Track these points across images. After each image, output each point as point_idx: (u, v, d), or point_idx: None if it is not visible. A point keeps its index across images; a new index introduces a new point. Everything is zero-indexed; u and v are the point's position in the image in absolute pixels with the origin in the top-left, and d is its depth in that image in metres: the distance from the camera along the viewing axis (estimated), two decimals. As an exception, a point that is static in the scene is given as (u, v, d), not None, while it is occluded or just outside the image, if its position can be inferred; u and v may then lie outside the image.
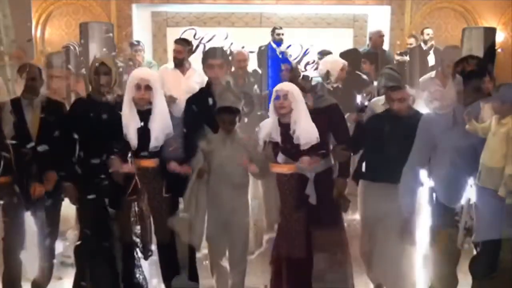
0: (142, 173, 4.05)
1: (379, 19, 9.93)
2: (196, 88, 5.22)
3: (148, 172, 4.08)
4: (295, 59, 9.66)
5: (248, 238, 4.06)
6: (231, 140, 3.98)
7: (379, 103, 4.61)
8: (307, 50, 9.92)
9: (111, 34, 7.41)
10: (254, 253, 4.15)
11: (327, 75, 6.17)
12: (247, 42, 8.52)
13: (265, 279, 4.28)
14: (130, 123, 4.01)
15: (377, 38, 8.02)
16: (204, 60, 4.55)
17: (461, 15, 10.09)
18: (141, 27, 10.07)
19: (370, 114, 4.44)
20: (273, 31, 8.29)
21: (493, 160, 3.23)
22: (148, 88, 4.03)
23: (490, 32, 8.40)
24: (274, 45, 7.92)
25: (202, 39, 10.07)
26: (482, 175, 3.29)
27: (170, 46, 9.89)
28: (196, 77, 5.66)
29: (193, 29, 10.26)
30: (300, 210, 4.02)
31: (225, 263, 4.11)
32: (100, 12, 9.90)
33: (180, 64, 5.77)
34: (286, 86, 4.15)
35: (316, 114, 4.07)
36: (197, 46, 10.02)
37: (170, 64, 6.21)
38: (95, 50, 7.66)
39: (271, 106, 4.14)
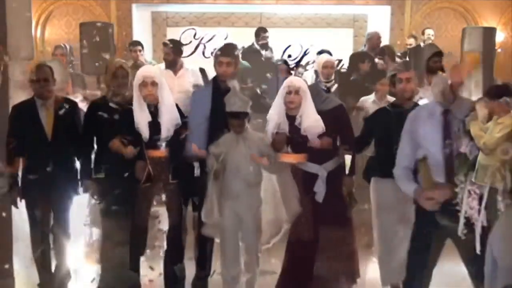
0: (154, 163, 4.28)
1: (379, 19, 10.00)
2: (189, 87, 5.43)
3: (161, 161, 4.32)
4: (295, 59, 9.71)
5: (260, 232, 4.25)
6: (243, 139, 4.13)
7: (369, 100, 4.71)
8: (307, 50, 9.95)
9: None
10: (270, 242, 4.35)
11: (316, 75, 6.34)
12: (247, 42, 8.57)
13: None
14: (142, 118, 4.25)
15: (375, 40, 8.04)
16: (215, 57, 4.77)
17: (461, 15, 10.16)
18: (141, 27, 10.14)
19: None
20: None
21: (488, 158, 3.29)
22: (154, 84, 4.28)
23: (490, 32, 8.44)
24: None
25: (202, 39, 10.10)
26: (478, 173, 3.34)
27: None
28: (188, 77, 5.74)
29: (193, 29, 10.30)
30: (310, 205, 4.15)
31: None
32: (100, 12, 9.95)
33: (171, 65, 5.79)
34: (297, 81, 4.31)
35: (322, 115, 4.19)
36: (197, 46, 10.07)
37: (163, 64, 6.24)
38: (94, 50, 7.75)
39: (279, 99, 4.28)
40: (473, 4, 10.02)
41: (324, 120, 4.17)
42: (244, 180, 4.10)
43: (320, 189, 4.14)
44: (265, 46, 8.08)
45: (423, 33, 8.86)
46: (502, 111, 3.31)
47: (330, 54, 7.16)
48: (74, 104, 4.48)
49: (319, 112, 4.22)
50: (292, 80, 4.38)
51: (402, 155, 3.65)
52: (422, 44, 8.73)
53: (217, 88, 4.60)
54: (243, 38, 8.40)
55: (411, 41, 9.17)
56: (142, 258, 4.48)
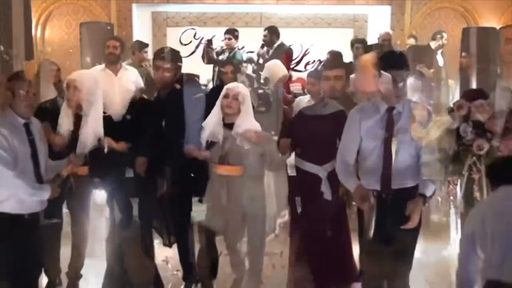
0: (77, 180, 4.23)
1: (379, 19, 10.26)
2: (131, 87, 5.29)
3: (82, 179, 4.26)
4: (295, 59, 10.02)
5: (265, 224, 4.50)
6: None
7: (304, 100, 4.99)
8: (307, 50, 10.24)
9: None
10: (269, 235, 4.61)
11: (266, 81, 6.73)
12: (247, 42, 8.90)
13: (281, 246, 4.80)
14: (63, 125, 4.18)
15: (380, 41, 8.40)
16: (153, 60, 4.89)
17: (461, 15, 10.38)
18: (141, 27, 10.38)
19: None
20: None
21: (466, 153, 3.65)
22: (76, 89, 4.14)
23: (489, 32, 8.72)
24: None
25: (202, 39, 10.38)
26: (457, 166, 3.70)
27: (170, 46, 10.30)
28: (130, 76, 5.65)
29: (193, 29, 10.59)
30: (314, 205, 4.43)
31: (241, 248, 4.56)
32: (100, 12, 10.21)
33: (116, 61, 5.66)
34: (238, 87, 4.50)
35: (323, 119, 4.49)
36: (197, 46, 10.38)
37: (98, 66, 6.10)
38: (94, 50, 8.08)
39: (217, 106, 4.43)
40: (473, 4, 10.22)
41: (324, 123, 4.45)
42: (247, 173, 4.39)
43: (324, 189, 4.44)
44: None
45: (441, 35, 9.03)
46: (477, 112, 3.67)
47: (340, 55, 7.49)
48: None
49: (319, 117, 4.50)
50: (233, 84, 4.60)
51: (344, 150, 3.88)
52: (431, 44, 8.99)
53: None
54: (243, 38, 8.63)
55: (411, 41, 9.44)
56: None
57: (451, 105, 3.91)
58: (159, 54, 4.81)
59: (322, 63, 4.51)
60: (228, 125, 4.38)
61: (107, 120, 4.46)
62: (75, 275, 4.72)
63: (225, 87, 4.46)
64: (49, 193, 3.78)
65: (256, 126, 4.40)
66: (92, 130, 4.17)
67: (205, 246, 4.60)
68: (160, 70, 4.66)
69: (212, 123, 4.40)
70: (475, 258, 3.14)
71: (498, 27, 8.90)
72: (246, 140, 4.28)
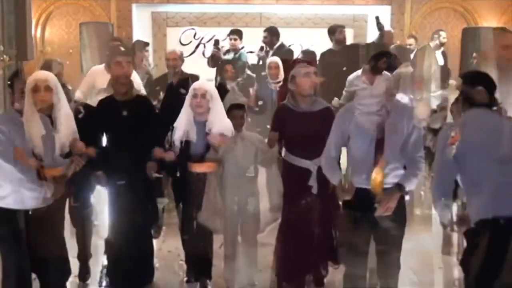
0: (55, 182, 4.09)
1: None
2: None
3: (60, 180, 4.13)
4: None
5: (259, 220, 4.79)
6: (241, 138, 4.73)
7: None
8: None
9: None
10: (264, 230, 4.87)
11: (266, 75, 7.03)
12: (247, 42, 9.03)
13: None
14: (33, 130, 3.97)
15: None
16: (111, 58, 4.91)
17: (461, 15, 10.57)
18: (141, 27, 10.58)
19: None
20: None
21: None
22: (48, 89, 4.05)
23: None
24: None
25: (202, 39, 10.63)
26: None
27: (170, 46, 10.50)
28: (134, 77, 5.68)
29: (193, 29, 10.80)
30: (304, 198, 4.65)
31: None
32: (100, 12, 10.41)
33: None
34: (204, 85, 4.76)
35: (310, 116, 4.68)
36: (197, 46, 10.62)
37: (96, 66, 6.42)
38: (94, 50, 8.34)
39: (186, 105, 4.67)
40: (473, 4, 10.41)
41: (312, 119, 4.65)
42: (242, 174, 4.69)
43: (313, 183, 4.65)
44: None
45: (438, 34, 9.23)
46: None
47: (314, 53, 7.71)
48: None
49: (309, 113, 4.69)
50: (199, 83, 4.83)
51: (330, 146, 4.09)
52: (431, 44, 9.12)
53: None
54: (243, 38, 8.72)
55: (411, 42, 9.61)
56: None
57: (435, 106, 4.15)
58: (118, 50, 4.91)
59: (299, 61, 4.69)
60: (200, 123, 4.63)
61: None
62: (85, 257, 5.03)
63: (192, 86, 4.69)
64: (52, 191, 3.95)
65: (227, 122, 4.64)
66: (67, 128, 4.17)
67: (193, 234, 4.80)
68: (119, 66, 4.71)
69: (184, 123, 4.66)
70: (451, 166, 3.47)
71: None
72: (211, 145, 4.54)
